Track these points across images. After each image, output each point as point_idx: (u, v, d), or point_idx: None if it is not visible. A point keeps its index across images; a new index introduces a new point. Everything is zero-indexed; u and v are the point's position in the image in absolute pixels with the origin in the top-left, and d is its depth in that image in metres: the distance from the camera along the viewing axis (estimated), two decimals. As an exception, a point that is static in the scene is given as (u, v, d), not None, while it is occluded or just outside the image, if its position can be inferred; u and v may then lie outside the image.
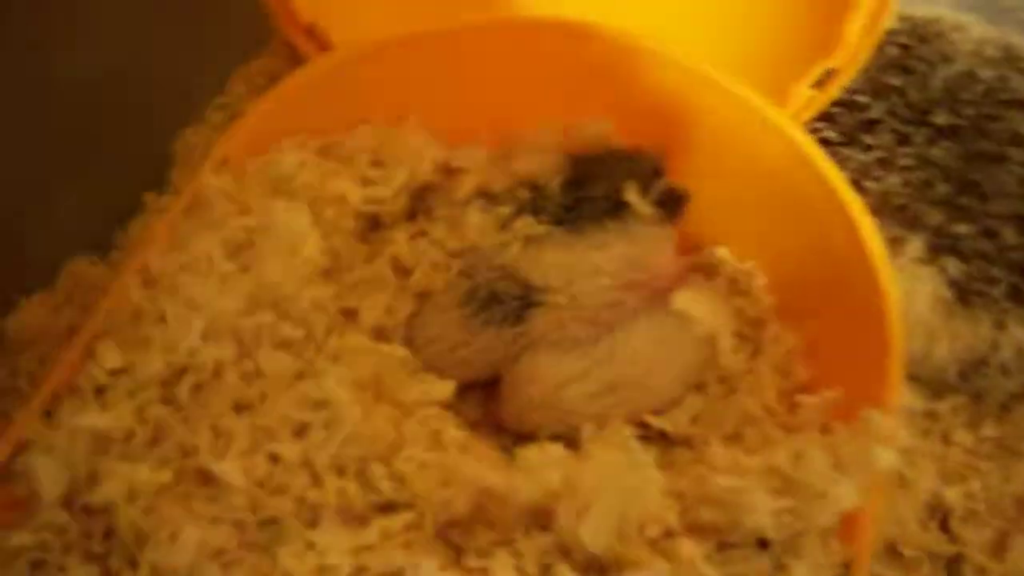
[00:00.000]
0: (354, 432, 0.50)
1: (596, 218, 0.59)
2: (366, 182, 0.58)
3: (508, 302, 0.58)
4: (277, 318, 0.51)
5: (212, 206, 0.52)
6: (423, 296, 0.60)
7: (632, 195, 0.58)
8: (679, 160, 0.60)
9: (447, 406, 0.55)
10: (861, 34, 0.60)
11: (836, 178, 0.54)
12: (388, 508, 0.49)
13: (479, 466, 0.49)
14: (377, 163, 0.60)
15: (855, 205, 0.53)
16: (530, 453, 0.49)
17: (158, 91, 0.68)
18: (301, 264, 0.53)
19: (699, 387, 0.59)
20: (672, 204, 0.60)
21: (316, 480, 0.49)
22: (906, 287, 0.58)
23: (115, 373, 0.48)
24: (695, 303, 0.59)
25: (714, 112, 0.58)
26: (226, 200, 0.53)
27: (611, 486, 0.46)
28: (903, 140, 0.63)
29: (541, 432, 0.55)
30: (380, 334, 0.58)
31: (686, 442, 0.56)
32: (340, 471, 0.49)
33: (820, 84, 0.61)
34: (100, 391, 0.48)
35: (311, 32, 0.64)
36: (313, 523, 0.48)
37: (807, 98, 0.61)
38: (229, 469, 0.46)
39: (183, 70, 0.70)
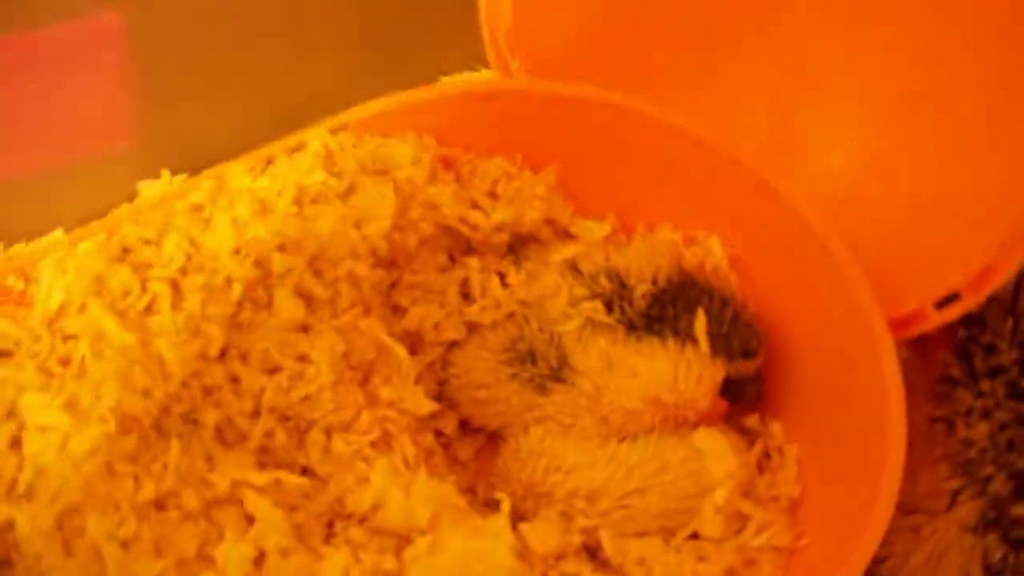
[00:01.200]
0: (314, 395, 0.51)
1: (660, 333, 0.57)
2: (471, 204, 0.59)
3: (541, 367, 0.57)
4: (307, 268, 0.53)
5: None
6: (472, 327, 0.60)
7: (700, 326, 0.56)
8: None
9: (429, 428, 0.57)
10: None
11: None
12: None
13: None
14: (492, 194, 0.61)
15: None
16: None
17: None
18: (359, 238, 0.55)
19: (668, 530, 0.54)
20: (739, 390, 0.58)
21: (254, 416, 0.50)
22: (939, 548, 0.50)
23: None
24: (714, 448, 0.55)
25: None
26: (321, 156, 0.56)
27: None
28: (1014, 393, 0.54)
29: (514, 500, 0.54)
30: (417, 340, 0.59)
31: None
32: (281, 419, 0.51)
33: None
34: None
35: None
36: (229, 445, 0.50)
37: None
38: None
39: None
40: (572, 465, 0.55)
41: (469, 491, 0.57)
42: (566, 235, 0.63)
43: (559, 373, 0.57)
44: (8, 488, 0.47)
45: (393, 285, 0.59)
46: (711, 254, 0.61)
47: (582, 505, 0.54)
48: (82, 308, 0.51)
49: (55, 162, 0.67)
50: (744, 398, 0.59)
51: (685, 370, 0.55)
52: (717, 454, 0.55)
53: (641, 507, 0.54)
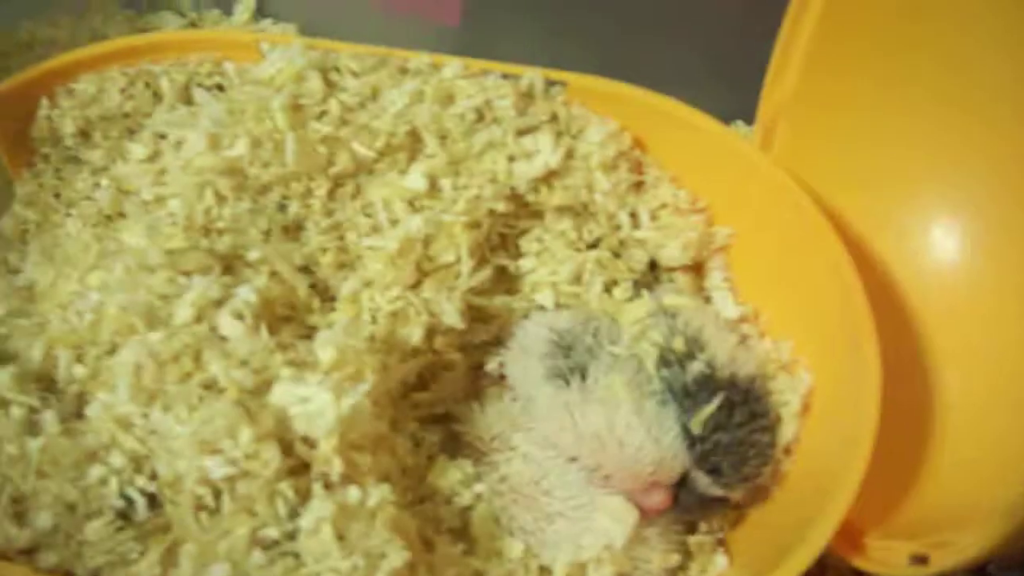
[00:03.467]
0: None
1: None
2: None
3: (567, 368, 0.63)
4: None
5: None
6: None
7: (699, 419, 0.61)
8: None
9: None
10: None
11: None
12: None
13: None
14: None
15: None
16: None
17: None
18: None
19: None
20: (705, 503, 0.62)
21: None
22: None
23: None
24: (619, 523, 0.59)
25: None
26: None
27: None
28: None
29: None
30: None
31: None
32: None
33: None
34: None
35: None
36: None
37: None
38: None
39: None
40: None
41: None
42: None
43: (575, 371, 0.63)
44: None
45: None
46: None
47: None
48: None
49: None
50: (705, 513, 0.63)
51: (660, 454, 0.60)
52: (620, 529, 0.59)
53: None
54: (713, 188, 0.69)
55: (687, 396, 0.61)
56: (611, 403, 0.61)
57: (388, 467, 0.58)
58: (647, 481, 0.60)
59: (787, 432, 0.62)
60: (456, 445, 0.64)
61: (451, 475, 0.61)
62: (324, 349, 0.57)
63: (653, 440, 0.60)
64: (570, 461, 0.61)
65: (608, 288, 0.68)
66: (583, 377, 0.62)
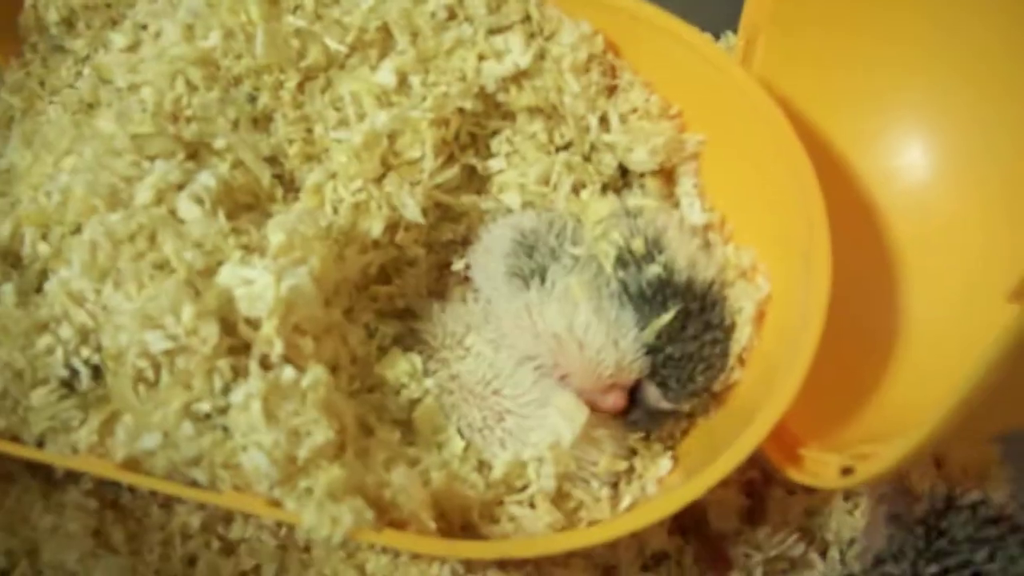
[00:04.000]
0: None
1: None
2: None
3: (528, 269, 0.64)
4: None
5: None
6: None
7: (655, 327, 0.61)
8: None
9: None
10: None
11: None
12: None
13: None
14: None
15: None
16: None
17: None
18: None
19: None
20: (654, 416, 0.63)
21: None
22: None
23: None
24: (570, 420, 0.60)
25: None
26: None
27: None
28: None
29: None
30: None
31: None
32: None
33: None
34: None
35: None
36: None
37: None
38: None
39: None
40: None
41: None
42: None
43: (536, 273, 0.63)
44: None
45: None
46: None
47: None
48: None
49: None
50: (655, 425, 0.64)
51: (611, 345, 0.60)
52: (565, 424, 0.59)
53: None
54: (688, 97, 0.68)
55: (643, 300, 0.61)
56: (569, 303, 0.61)
57: (337, 354, 0.59)
58: (605, 383, 0.60)
59: (741, 338, 0.62)
60: (412, 341, 0.65)
61: (400, 367, 0.62)
62: (274, 233, 0.57)
63: (612, 342, 0.60)
64: (525, 360, 0.61)
65: (576, 190, 0.68)
66: (542, 280, 0.62)
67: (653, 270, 0.61)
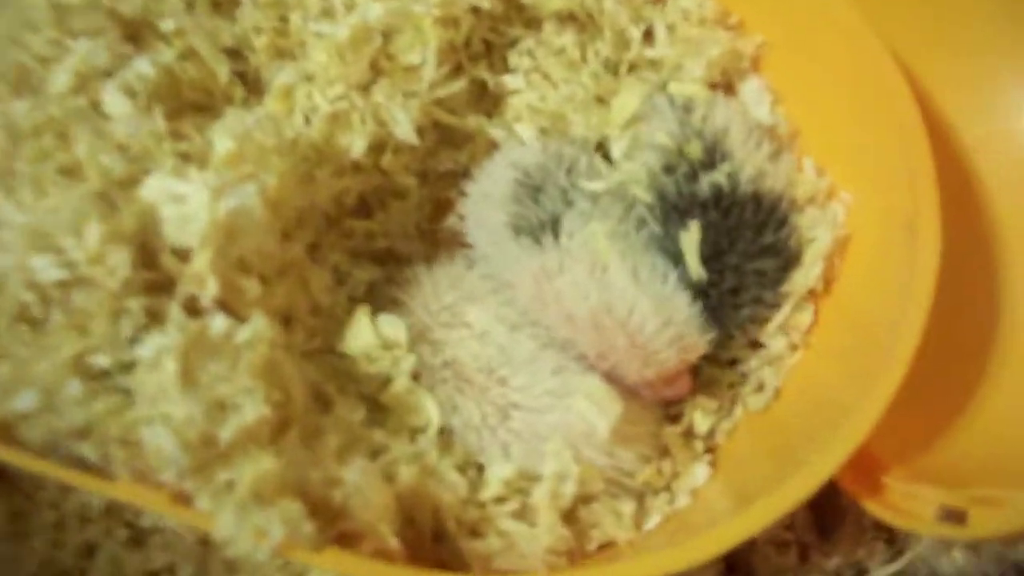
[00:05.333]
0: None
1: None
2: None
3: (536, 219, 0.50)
4: None
5: None
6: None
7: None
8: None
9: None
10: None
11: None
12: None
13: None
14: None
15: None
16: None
17: None
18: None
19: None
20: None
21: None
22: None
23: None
24: (598, 405, 0.45)
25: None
26: None
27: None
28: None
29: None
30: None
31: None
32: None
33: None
34: None
35: None
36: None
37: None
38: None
39: None
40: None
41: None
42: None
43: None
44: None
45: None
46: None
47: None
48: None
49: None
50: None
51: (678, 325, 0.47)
52: (599, 411, 0.45)
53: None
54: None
55: (680, 214, 0.48)
56: (597, 267, 0.47)
57: (293, 302, 0.46)
58: (667, 372, 0.47)
59: (808, 276, 0.49)
60: (394, 294, 0.51)
61: (375, 330, 0.48)
62: (220, 139, 0.44)
63: (664, 320, 0.46)
64: (547, 347, 0.48)
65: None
66: (555, 234, 0.49)
67: (714, 179, 0.48)
